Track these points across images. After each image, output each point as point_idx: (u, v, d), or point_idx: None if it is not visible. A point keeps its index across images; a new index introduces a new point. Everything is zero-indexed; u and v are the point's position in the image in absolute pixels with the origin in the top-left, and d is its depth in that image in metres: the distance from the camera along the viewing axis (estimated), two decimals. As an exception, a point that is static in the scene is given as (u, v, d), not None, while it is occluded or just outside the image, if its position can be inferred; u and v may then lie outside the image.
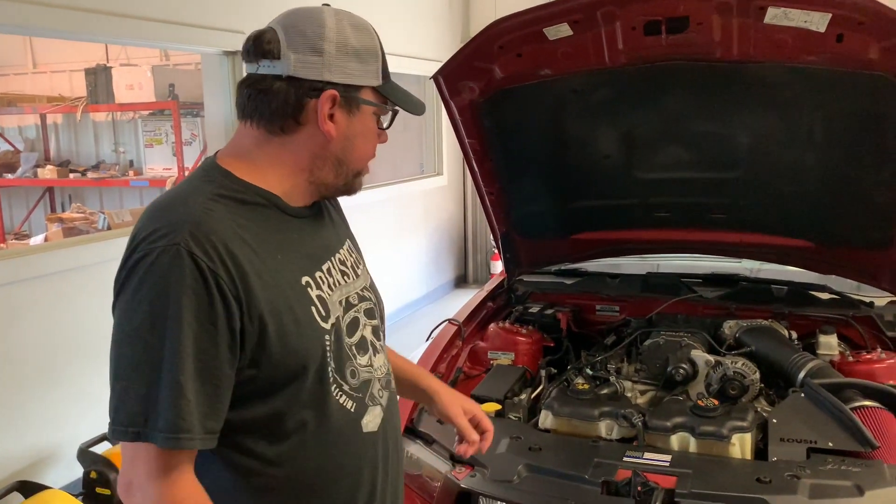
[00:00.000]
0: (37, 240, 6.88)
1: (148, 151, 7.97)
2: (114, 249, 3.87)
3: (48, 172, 8.02)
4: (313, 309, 1.18)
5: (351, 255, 1.37)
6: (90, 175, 8.05)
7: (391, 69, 1.29)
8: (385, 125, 1.27)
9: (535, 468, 1.93)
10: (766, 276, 2.98)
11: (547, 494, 1.85)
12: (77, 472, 3.23)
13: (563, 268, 3.23)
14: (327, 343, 1.18)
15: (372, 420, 1.27)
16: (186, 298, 1.03)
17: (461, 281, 7.82)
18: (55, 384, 3.42)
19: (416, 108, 1.29)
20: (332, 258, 1.30)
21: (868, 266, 2.59)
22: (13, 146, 8.71)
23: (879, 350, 2.36)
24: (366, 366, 1.27)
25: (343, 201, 1.44)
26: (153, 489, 1.04)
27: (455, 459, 2.04)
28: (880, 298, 2.73)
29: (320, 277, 1.23)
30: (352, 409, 1.23)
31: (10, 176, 8.20)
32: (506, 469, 1.93)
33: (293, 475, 1.18)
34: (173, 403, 1.02)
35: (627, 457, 1.94)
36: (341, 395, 1.21)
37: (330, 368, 1.19)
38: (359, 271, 1.37)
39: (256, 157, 1.21)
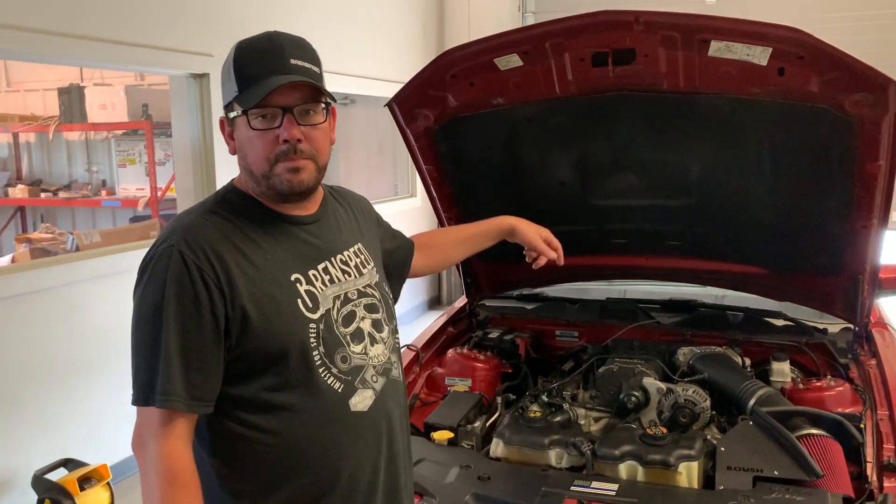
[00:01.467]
0: (3, 261, 6.78)
1: (121, 171, 7.92)
2: (80, 271, 3.89)
3: (19, 192, 7.94)
4: (299, 301, 1.35)
5: (358, 256, 1.52)
6: (62, 195, 7.99)
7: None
8: (256, 126, 1.33)
9: (483, 498, 1.92)
10: (728, 303, 3.00)
11: (493, 524, 1.85)
12: (31, 499, 3.17)
13: (524, 293, 3.24)
14: (312, 331, 1.35)
15: (361, 401, 1.40)
16: (176, 288, 1.26)
17: (435, 303, 7.81)
18: (10, 408, 3.36)
19: (258, 96, 1.29)
20: (333, 258, 1.45)
21: (821, 293, 2.62)
22: (-16, 165, 8.63)
23: (829, 377, 2.38)
24: (360, 353, 1.42)
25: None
26: (154, 445, 1.25)
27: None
28: (834, 325, 2.76)
29: (313, 275, 1.40)
30: (339, 390, 1.38)
31: (-21, 195, 8.12)
32: (454, 499, 1.92)
33: (285, 444, 1.34)
34: (165, 372, 1.25)
35: (575, 486, 1.94)
36: (329, 377, 1.37)
37: (317, 353, 1.35)
38: (364, 271, 1.51)
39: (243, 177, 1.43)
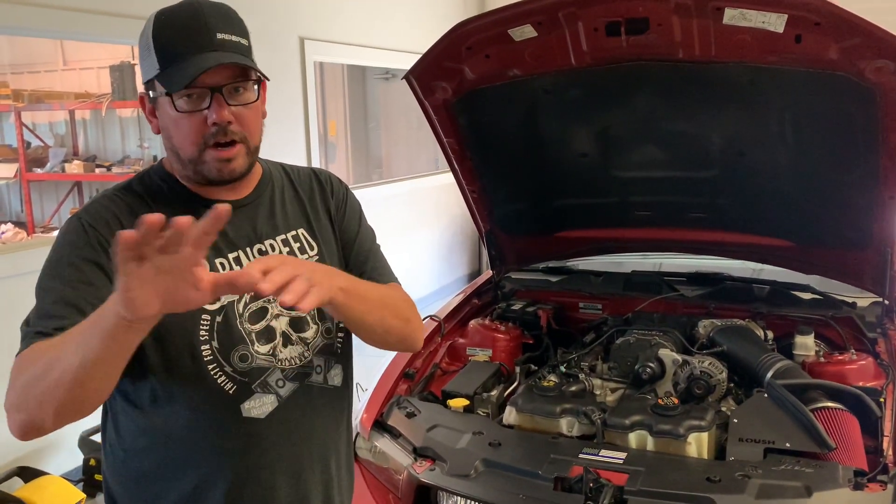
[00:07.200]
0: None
1: (170, 147, 8.11)
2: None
3: (75, 167, 8.22)
4: None
5: (288, 245, 1.38)
6: (115, 170, 8.23)
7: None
8: (182, 108, 1.21)
9: (493, 463, 1.96)
10: (762, 277, 2.96)
11: (500, 489, 1.89)
12: (78, 459, 3.34)
13: (551, 265, 3.25)
14: (204, 322, 1.24)
15: (257, 407, 1.29)
16: (71, 246, 1.21)
17: (475, 276, 7.83)
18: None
19: (185, 78, 1.17)
20: (249, 248, 1.33)
21: (849, 266, 2.57)
22: (43, 141, 8.94)
23: (852, 351, 2.34)
24: (265, 354, 1.30)
25: (359, 195, 1.48)
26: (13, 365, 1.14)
27: (418, 453, 2.08)
28: (864, 299, 2.70)
29: (220, 263, 1.29)
30: (230, 391, 1.26)
31: (39, 170, 8.43)
32: (464, 463, 1.97)
33: (168, 438, 1.27)
34: (42, 314, 1.17)
35: (583, 454, 1.97)
36: (220, 376, 1.26)
37: (207, 347, 1.25)
38: None
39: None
